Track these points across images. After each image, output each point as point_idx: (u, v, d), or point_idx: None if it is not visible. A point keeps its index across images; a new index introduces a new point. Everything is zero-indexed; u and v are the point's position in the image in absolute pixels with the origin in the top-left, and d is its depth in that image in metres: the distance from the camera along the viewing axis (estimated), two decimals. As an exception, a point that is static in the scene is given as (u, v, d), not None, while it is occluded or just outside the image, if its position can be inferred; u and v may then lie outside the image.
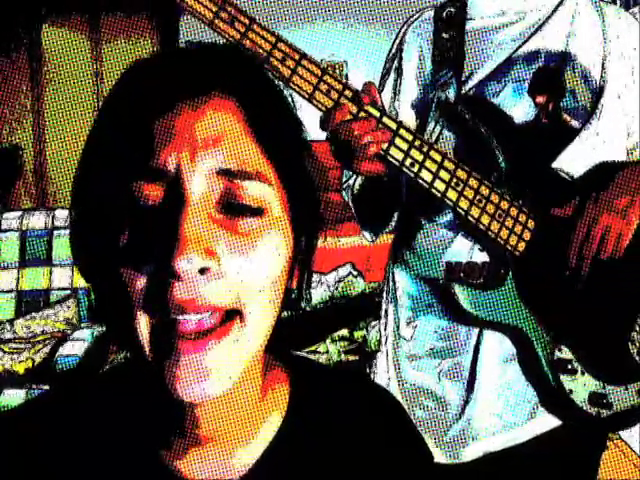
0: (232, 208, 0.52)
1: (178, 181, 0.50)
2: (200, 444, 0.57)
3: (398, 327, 1.23)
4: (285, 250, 0.54)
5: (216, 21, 0.97)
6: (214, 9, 0.97)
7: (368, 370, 1.30)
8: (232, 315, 0.51)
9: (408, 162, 1.05)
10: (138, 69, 0.56)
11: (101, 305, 0.57)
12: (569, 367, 1.10)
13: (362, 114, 1.03)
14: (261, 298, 0.52)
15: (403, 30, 1.24)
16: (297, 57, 1.00)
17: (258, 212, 0.52)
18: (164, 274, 0.48)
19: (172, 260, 0.47)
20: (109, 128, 0.54)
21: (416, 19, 1.23)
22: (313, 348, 2.77)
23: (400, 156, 1.05)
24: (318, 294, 2.99)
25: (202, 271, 0.49)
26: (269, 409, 0.60)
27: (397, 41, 1.24)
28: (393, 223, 1.22)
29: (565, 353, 1.10)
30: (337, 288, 3.05)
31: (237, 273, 0.50)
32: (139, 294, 0.50)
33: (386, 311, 1.26)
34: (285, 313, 0.58)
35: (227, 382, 0.51)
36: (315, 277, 2.90)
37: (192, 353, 0.50)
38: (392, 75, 1.23)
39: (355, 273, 3.07)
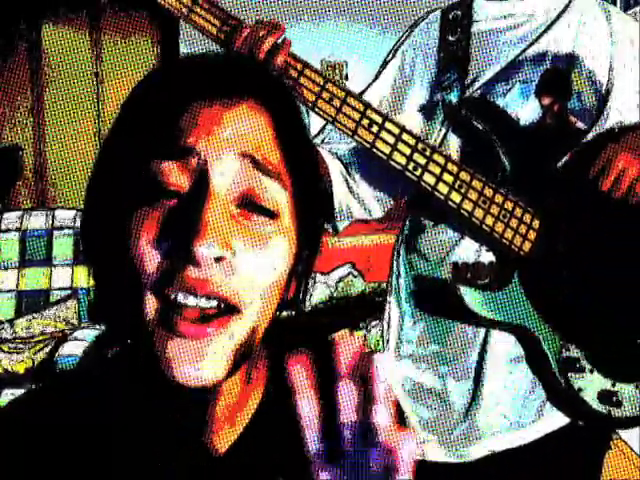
0: (249, 207, 0.54)
1: (204, 169, 0.52)
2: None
3: (402, 328, 1.23)
4: (288, 258, 0.56)
5: (220, 35, 1.01)
6: (218, 24, 1.01)
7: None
8: (231, 311, 0.53)
9: (411, 166, 1.06)
10: (175, 62, 0.60)
11: (105, 289, 0.59)
12: (577, 366, 1.10)
13: (344, 109, 1.04)
14: (260, 300, 0.54)
15: (409, 31, 1.24)
16: (300, 67, 1.04)
17: (272, 216, 0.55)
18: (181, 257, 0.50)
19: (192, 244, 0.49)
20: (142, 110, 0.56)
21: (423, 20, 1.24)
22: (313, 348, 2.76)
23: (403, 160, 1.06)
24: (318, 294, 3.00)
25: (217, 260, 0.50)
26: (252, 390, 0.62)
27: (402, 39, 1.24)
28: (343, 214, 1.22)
29: (573, 352, 1.11)
30: (337, 288, 3.05)
31: (247, 270, 0.52)
32: (151, 274, 0.51)
33: (389, 312, 1.26)
34: (285, 313, 0.60)
35: (219, 372, 0.53)
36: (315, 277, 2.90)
37: (192, 337, 0.51)
38: (393, 71, 1.22)
39: (355, 273, 3.07)
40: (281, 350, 0.66)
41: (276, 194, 0.54)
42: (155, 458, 0.59)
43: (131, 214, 0.53)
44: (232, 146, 0.53)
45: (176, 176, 0.52)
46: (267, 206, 0.54)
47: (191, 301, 0.51)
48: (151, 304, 0.52)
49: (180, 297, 0.51)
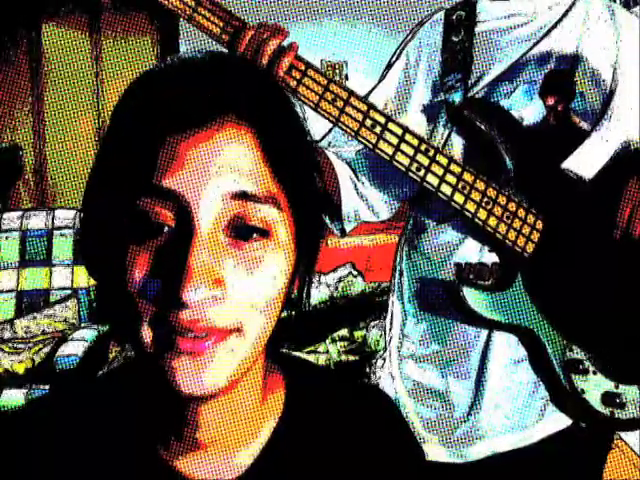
0: (239, 230, 0.52)
1: (187, 209, 0.50)
2: (200, 445, 0.58)
3: (404, 328, 1.23)
4: (286, 271, 0.54)
5: (223, 35, 1.01)
6: (221, 25, 1.01)
7: (368, 370, 1.30)
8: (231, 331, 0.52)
9: (414, 167, 1.06)
10: (148, 83, 0.54)
11: (105, 307, 0.58)
12: (581, 367, 1.10)
13: (348, 108, 1.04)
14: (260, 317, 0.53)
15: (414, 32, 1.24)
16: (302, 68, 1.03)
17: (264, 234, 0.52)
18: (171, 302, 0.49)
19: (180, 290, 0.48)
20: (119, 145, 0.53)
21: (426, 21, 1.23)
22: (313, 348, 2.77)
23: (406, 161, 1.06)
24: (318, 294, 3.00)
25: (209, 298, 0.50)
26: (267, 413, 0.61)
27: (406, 41, 1.24)
28: (350, 216, 1.21)
29: (576, 353, 1.11)
30: (337, 288, 3.05)
31: (241, 295, 0.51)
32: (146, 312, 0.51)
33: (392, 311, 1.26)
34: (285, 313, 0.59)
35: (223, 380, 0.52)
36: (315, 277, 2.90)
37: (192, 352, 0.51)
38: (398, 73, 1.22)
39: (355, 273, 3.07)
40: (298, 372, 0.66)
41: (268, 213, 0.52)
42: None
43: (123, 247, 0.51)
44: (214, 181, 0.50)
45: (160, 212, 0.50)
46: (258, 225, 0.52)
47: (189, 336, 0.50)
48: (149, 335, 0.51)
49: (177, 334, 0.50)
